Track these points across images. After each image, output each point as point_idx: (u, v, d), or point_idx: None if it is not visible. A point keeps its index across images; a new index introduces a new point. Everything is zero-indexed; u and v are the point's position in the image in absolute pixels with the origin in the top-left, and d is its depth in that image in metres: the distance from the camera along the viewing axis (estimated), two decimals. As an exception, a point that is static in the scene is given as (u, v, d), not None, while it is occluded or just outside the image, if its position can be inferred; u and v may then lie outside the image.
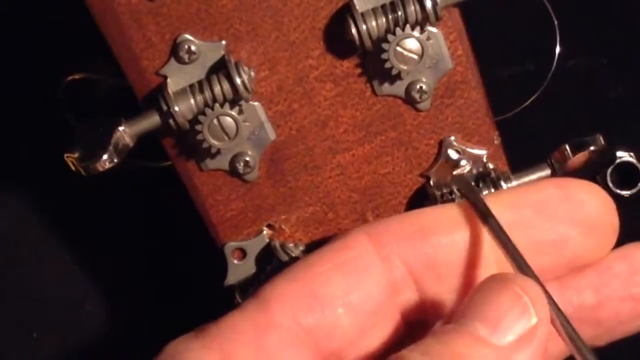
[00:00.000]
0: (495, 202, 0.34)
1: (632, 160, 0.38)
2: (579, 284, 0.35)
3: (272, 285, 0.34)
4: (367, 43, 0.34)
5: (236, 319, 0.33)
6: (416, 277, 0.34)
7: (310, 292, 0.33)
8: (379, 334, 0.33)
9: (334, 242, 0.35)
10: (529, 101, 0.44)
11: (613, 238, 0.35)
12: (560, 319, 0.31)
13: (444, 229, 0.34)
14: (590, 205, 0.35)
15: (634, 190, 0.38)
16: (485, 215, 0.34)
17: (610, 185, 0.38)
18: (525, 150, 0.40)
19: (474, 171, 0.38)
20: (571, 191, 0.35)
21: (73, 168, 0.34)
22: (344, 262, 0.34)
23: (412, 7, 0.34)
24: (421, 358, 0.30)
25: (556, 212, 0.34)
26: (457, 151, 0.38)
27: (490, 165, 0.38)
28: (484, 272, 0.34)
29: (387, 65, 0.35)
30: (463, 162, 0.37)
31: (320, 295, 0.33)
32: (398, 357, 0.30)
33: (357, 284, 0.34)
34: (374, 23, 0.34)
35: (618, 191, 0.38)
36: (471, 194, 0.35)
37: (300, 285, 0.33)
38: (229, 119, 0.35)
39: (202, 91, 0.35)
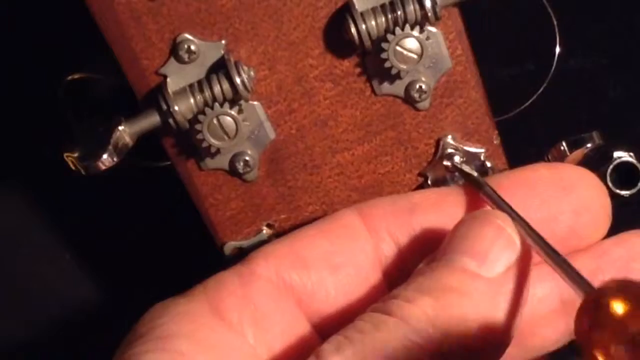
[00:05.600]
0: (488, 181, 0.35)
1: (632, 160, 0.38)
2: (575, 267, 0.35)
3: (258, 249, 0.35)
4: (367, 42, 0.34)
5: (222, 275, 0.34)
6: (403, 250, 0.34)
7: (295, 252, 0.34)
8: (365, 301, 0.33)
9: (324, 217, 0.36)
10: (529, 101, 0.44)
11: (606, 221, 0.35)
12: (539, 242, 0.32)
13: (434, 206, 0.35)
14: (581, 186, 0.35)
15: (633, 191, 0.38)
16: (479, 184, 0.35)
17: (610, 185, 0.38)
18: (525, 150, 0.40)
19: (472, 167, 0.38)
20: (562, 173, 0.35)
21: (73, 167, 0.34)
22: (330, 230, 0.35)
23: (412, 7, 0.34)
24: (415, 295, 0.30)
25: (547, 190, 0.35)
26: (455, 150, 0.38)
27: (489, 164, 0.38)
28: None
29: (387, 64, 0.35)
30: (457, 158, 0.37)
31: (305, 256, 0.34)
32: (392, 297, 0.31)
33: (342, 250, 0.34)
34: (373, 23, 0.34)
35: (618, 191, 0.38)
36: (465, 170, 0.36)
37: (285, 246, 0.34)
38: (228, 118, 0.35)
39: (201, 91, 0.35)
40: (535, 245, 0.32)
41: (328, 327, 0.33)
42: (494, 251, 0.31)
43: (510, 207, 0.33)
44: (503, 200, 0.33)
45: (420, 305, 0.30)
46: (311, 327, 0.34)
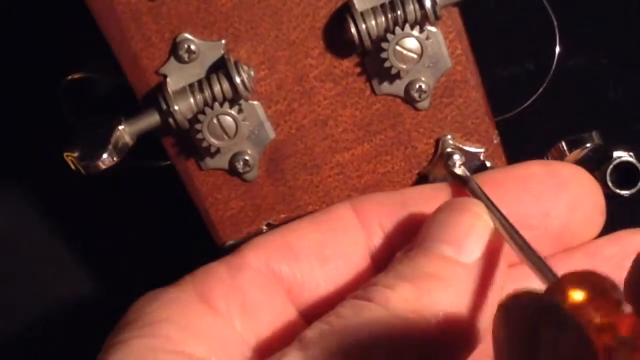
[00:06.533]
0: (480, 178, 0.35)
1: (632, 160, 0.38)
2: (569, 265, 0.35)
3: (249, 241, 0.35)
4: (367, 42, 0.34)
5: (211, 265, 0.34)
6: (395, 244, 0.34)
7: (286, 243, 0.35)
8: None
9: (318, 211, 0.36)
10: (529, 101, 0.44)
11: (600, 219, 0.36)
12: (512, 233, 0.32)
13: (427, 201, 0.35)
14: (574, 184, 0.35)
15: (633, 190, 0.38)
16: (464, 179, 0.35)
17: (610, 185, 0.38)
18: (524, 150, 0.40)
19: (472, 167, 0.38)
20: (555, 170, 0.35)
21: (73, 167, 0.35)
22: (323, 222, 0.35)
23: (412, 7, 0.34)
24: (395, 281, 0.31)
25: (540, 187, 0.35)
26: (455, 150, 0.38)
27: (488, 164, 0.38)
28: None
29: (387, 64, 0.35)
30: (456, 157, 0.37)
31: (295, 246, 0.34)
32: (372, 284, 0.31)
33: (333, 241, 0.35)
34: (373, 22, 0.34)
35: (618, 191, 0.38)
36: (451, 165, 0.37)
37: (275, 237, 0.35)
38: (228, 118, 0.35)
39: (201, 90, 0.35)
40: (509, 238, 0.32)
41: (317, 317, 0.33)
42: (471, 237, 0.32)
43: (492, 203, 0.33)
44: (486, 197, 0.33)
45: (400, 291, 0.30)
46: (300, 317, 0.34)
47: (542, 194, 0.35)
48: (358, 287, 0.34)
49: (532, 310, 0.26)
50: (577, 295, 0.26)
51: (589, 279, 0.27)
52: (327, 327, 0.30)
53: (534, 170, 0.35)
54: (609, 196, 0.37)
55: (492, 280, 0.32)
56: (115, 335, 0.32)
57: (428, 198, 0.35)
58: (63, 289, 0.50)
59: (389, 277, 0.31)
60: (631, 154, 0.38)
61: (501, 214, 0.33)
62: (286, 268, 0.34)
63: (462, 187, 0.35)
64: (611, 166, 0.37)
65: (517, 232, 0.32)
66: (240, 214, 0.38)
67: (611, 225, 0.36)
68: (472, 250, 0.32)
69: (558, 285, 0.27)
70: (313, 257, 0.35)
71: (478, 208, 0.33)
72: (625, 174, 0.38)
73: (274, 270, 0.34)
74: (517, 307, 0.27)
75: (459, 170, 0.36)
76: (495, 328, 0.27)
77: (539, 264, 0.31)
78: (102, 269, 0.50)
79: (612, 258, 0.35)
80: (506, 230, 0.32)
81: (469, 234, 0.32)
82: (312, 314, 0.34)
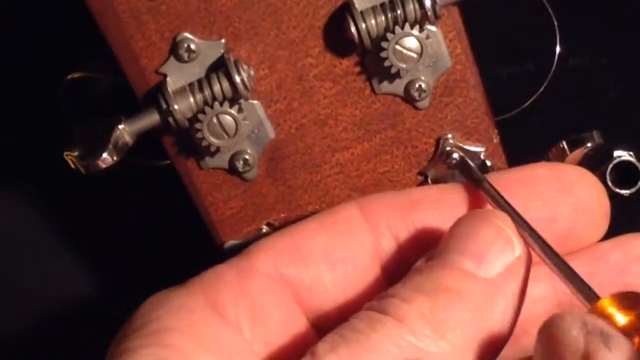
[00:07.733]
0: (488, 179, 0.35)
1: (632, 159, 0.38)
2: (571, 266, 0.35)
3: (257, 242, 0.35)
4: (367, 41, 0.34)
5: (219, 268, 0.34)
6: (403, 246, 0.34)
7: (294, 246, 0.34)
8: (363, 297, 0.33)
9: (325, 211, 0.36)
10: (529, 101, 0.44)
11: (605, 222, 0.35)
12: (540, 243, 0.32)
13: (435, 203, 0.35)
14: (580, 187, 0.35)
15: (633, 190, 0.38)
16: (478, 179, 0.35)
17: (610, 184, 0.38)
18: (524, 149, 0.40)
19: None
20: (562, 173, 0.35)
21: (73, 166, 0.35)
22: (330, 224, 0.35)
23: (412, 6, 0.34)
24: (412, 294, 0.30)
25: (546, 190, 0.35)
26: (455, 149, 0.38)
27: (488, 163, 0.38)
28: None
29: (386, 63, 0.35)
30: (455, 156, 0.37)
31: (303, 250, 0.34)
32: (388, 295, 0.31)
33: (342, 244, 0.34)
34: (373, 21, 0.34)
35: (617, 190, 0.38)
36: (465, 164, 0.37)
37: (284, 240, 0.34)
38: (228, 117, 0.35)
39: (201, 89, 0.35)
40: (534, 243, 0.32)
41: (325, 323, 0.33)
42: (492, 252, 0.31)
43: (509, 204, 0.33)
44: (502, 197, 0.33)
45: (417, 305, 0.30)
46: (308, 323, 0.34)
47: (547, 198, 0.35)
48: (366, 291, 0.34)
49: (580, 330, 0.26)
50: (621, 318, 0.26)
51: (632, 302, 0.27)
52: (340, 340, 0.29)
53: (540, 173, 0.35)
54: (609, 195, 0.37)
55: (513, 296, 0.31)
56: (121, 342, 0.31)
57: (436, 199, 0.35)
58: (63, 289, 0.50)
59: (406, 289, 0.31)
60: (631, 153, 0.38)
61: (522, 218, 0.32)
62: (294, 272, 0.34)
63: (475, 187, 0.35)
64: (611, 165, 0.37)
65: (539, 235, 0.32)
66: (240, 213, 0.38)
67: (611, 225, 0.36)
68: (494, 264, 0.31)
69: (601, 306, 0.27)
70: (321, 260, 0.34)
71: (501, 221, 0.32)
72: (626, 173, 0.38)
73: (283, 275, 0.34)
74: (563, 326, 0.26)
75: (474, 168, 0.36)
76: (540, 348, 0.26)
77: (565, 270, 0.30)
78: (102, 269, 0.50)
79: (616, 263, 0.35)
80: (530, 237, 0.32)
81: (491, 248, 0.31)
82: (321, 319, 0.34)
